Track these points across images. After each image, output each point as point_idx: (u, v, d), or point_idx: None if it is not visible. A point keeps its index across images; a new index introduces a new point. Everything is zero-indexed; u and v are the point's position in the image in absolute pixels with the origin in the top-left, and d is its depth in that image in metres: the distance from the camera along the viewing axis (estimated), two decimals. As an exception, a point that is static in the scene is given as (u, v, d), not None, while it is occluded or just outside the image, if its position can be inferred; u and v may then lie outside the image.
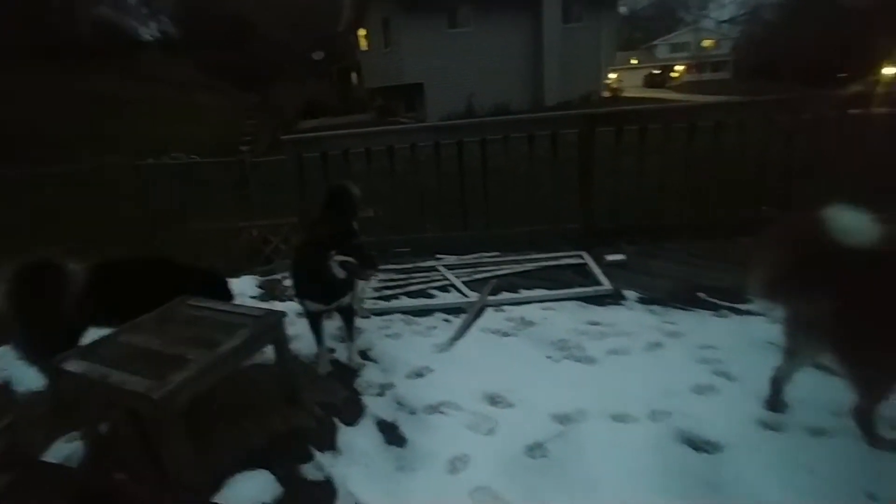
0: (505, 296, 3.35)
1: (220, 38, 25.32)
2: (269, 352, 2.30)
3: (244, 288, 3.85)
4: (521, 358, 2.63)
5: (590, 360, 2.55)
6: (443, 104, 20.55)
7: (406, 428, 2.21)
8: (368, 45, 24.97)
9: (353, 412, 2.34)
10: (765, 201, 3.91)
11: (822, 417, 2.00)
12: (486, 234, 4.25)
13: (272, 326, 2.23)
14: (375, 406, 2.38)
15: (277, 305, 3.51)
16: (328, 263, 2.38)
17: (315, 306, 2.61)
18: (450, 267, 3.92)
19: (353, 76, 29.89)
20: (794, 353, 1.99)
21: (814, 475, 1.76)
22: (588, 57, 23.03)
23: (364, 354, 2.81)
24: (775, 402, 2.08)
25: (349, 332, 2.75)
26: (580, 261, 3.79)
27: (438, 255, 4.22)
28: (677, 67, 47.76)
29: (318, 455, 2.07)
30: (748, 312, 2.91)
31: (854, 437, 1.89)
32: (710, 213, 4.00)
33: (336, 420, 2.28)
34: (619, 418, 2.11)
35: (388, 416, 2.30)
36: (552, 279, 3.56)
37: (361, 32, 25.28)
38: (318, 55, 29.99)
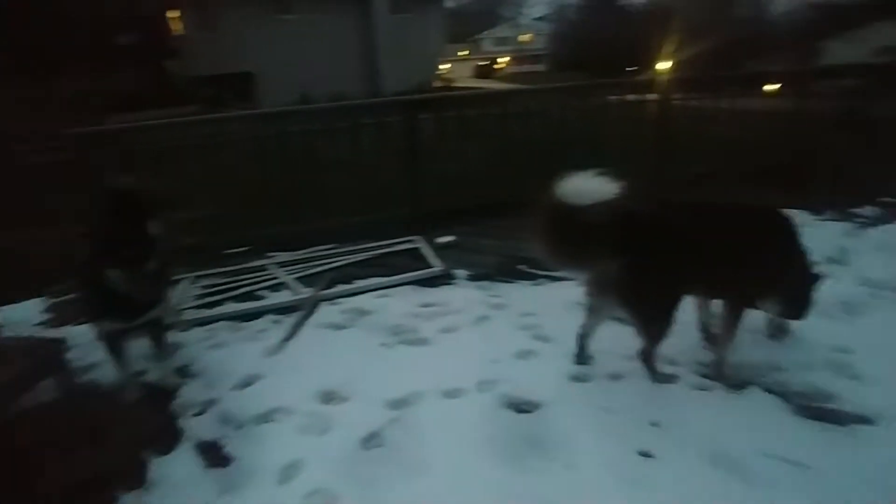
0: (340, 288, 3.26)
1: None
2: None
3: (27, 315, 3.21)
4: (356, 349, 2.57)
5: (423, 342, 2.60)
6: (276, 94, 19.33)
7: (231, 445, 2.02)
8: (188, 30, 22.44)
9: (168, 440, 2.07)
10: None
11: (619, 364, 2.28)
12: (319, 227, 4.09)
13: (49, 358, 1.87)
14: (196, 426, 2.14)
15: (73, 332, 2.98)
16: (114, 279, 2.04)
17: (110, 326, 2.24)
18: (282, 264, 3.70)
19: (173, 64, 26.67)
20: (592, 310, 2.23)
21: (612, 414, 1.99)
22: (419, 48, 23.50)
23: (183, 371, 2.51)
24: (581, 356, 2.33)
25: (160, 348, 2.44)
26: (413, 245, 3.85)
27: (269, 254, 3.95)
28: (501, 59, 51.33)
29: (123, 498, 1.80)
30: (560, 279, 3.20)
31: (641, 377, 2.19)
32: (528, 190, 4.32)
33: (147, 453, 1.99)
34: (451, 394, 2.18)
35: (211, 435, 2.08)
36: (387, 266, 3.56)
37: (174, 14, 22.60)
38: (127, 39, 26.09)
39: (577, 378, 2.24)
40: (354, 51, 21.90)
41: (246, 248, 3.99)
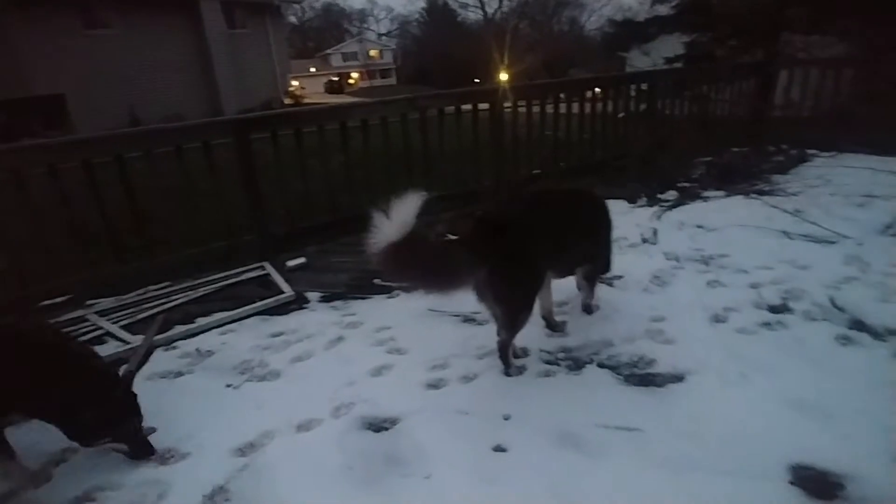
0: (177, 330, 2.92)
1: None
2: None
3: None
4: (197, 396, 2.31)
5: (273, 375, 2.43)
6: (96, 118, 17.10)
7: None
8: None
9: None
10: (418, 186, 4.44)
11: (470, 364, 2.35)
12: (150, 265, 3.64)
13: None
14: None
15: None
16: None
17: None
18: (104, 312, 3.23)
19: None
20: (492, 314, 2.27)
21: (467, 415, 2.04)
22: (262, 65, 22.53)
23: None
24: (505, 362, 2.30)
25: None
26: (262, 272, 3.61)
27: (90, 302, 3.43)
28: (353, 74, 51.28)
29: None
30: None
31: (492, 375, 2.27)
32: (374, 202, 4.32)
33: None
34: (304, 426, 2.06)
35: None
36: (232, 298, 3.28)
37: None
38: None
39: (433, 385, 2.25)
40: (191, 69, 20.31)
41: (64, 298, 3.42)
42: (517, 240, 2.12)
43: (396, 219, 1.84)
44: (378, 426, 2.03)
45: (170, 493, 1.81)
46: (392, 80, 51.29)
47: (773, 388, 2.04)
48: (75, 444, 2.04)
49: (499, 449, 1.87)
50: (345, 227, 4.08)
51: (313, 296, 3.22)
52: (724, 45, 9.63)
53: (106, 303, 3.38)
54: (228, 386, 2.37)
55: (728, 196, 4.42)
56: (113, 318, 3.15)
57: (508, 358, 2.29)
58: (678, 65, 9.95)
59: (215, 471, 1.87)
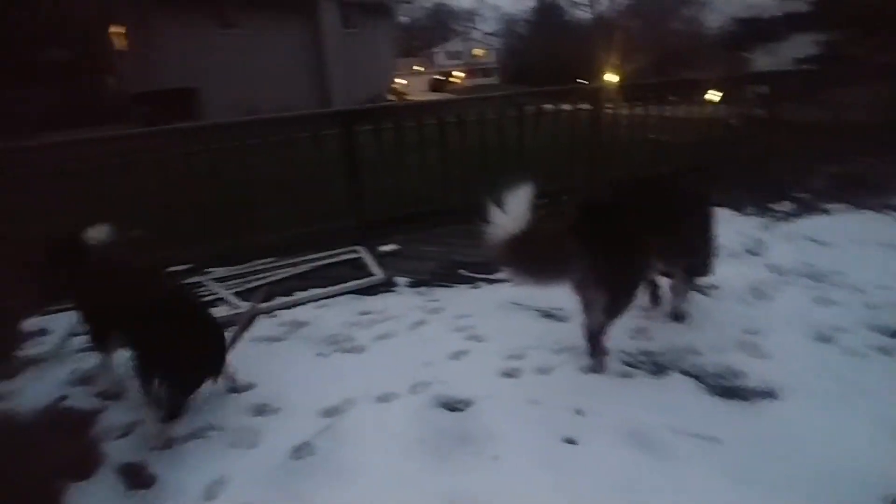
0: (278, 301, 3.22)
1: None
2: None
3: None
4: (291, 360, 2.54)
5: (359, 349, 2.59)
6: (222, 110, 18.92)
7: (157, 465, 1.96)
8: (127, 44, 21.74)
9: (87, 465, 1.98)
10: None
11: (548, 357, 2.36)
12: (260, 242, 4.02)
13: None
14: (119, 450, 2.05)
15: None
16: None
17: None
18: (220, 279, 3.62)
19: (110, 80, 25.72)
20: (585, 307, 2.25)
21: (539, 406, 2.05)
22: (371, 63, 23.59)
23: (106, 394, 2.41)
24: (594, 351, 2.30)
25: None
26: (356, 255, 3.84)
27: (207, 270, 3.86)
28: (456, 73, 52.09)
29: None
30: (498, 281, 3.27)
31: (569, 369, 2.27)
32: (467, 197, 4.42)
33: (61, 483, 1.90)
34: (384, 398, 2.18)
35: (135, 457, 2.01)
36: (327, 277, 3.54)
37: (116, 29, 21.87)
38: (61, 55, 25.01)
39: (508, 374, 2.29)
40: (304, 66, 21.77)
41: (186, 266, 3.89)
42: (625, 223, 2.10)
43: (512, 211, 1.89)
44: (452, 406, 2.11)
45: (262, 440, 2.02)
46: (494, 79, 51.41)
47: (878, 416, 1.85)
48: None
49: (569, 441, 1.87)
50: (436, 219, 4.22)
51: (401, 280, 3.38)
52: (862, 43, 8.60)
53: (220, 272, 3.78)
54: (319, 355, 2.57)
55: (853, 210, 3.98)
56: (226, 286, 3.52)
57: (601, 344, 2.25)
58: (807, 66, 9.04)
59: (302, 427, 2.05)
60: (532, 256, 1.97)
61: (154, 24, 19.35)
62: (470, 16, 65.39)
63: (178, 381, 1.99)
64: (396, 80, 30.12)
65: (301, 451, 1.95)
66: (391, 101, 24.50)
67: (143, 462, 1.98)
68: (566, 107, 4.59)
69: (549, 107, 4.56)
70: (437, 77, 48.41)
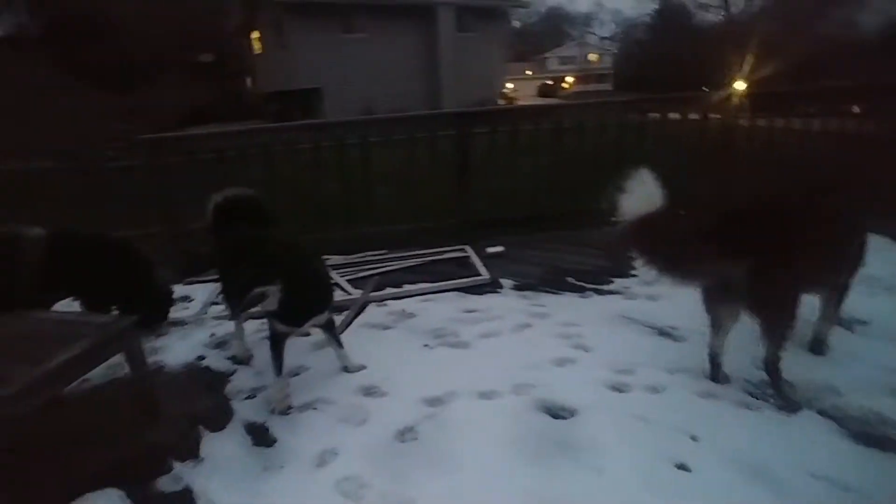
0: (388, 291, 3.37)
1: (86, 36, 22.96)
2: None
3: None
4: (399, 349, 2.65)
5: (463, 345, 2.64)
6: (340, 109, 20.20)
7: (276, 428, 2.15)
8: (262, 48, 24.01)
9: (220, 419, 2.23)
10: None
11: (660, 376, 2.23)
12: (373, 233, 4.24)
13: (119, 335, 2.06)
14: (246, 410, 2.28)
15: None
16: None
17: (280, 328, 2.27)
18: (335, 267, 3.87)
19: (248, 80, 28.53)
20: (717, 322, 2.11)
21: (649, 424, 1.95)
22: (482, 66, 23.90)
23: (236, 359, 2.69)
24: (717, 374, 2.19)
25: (335, 341, 2.50)
26: (462, 254, 3.91)
27: (324, 257, 4.14)
28: (567, 78, 51.07)
29: (177, 466, 1.95)
30: (609, 292, 3.18)
31: (684, 391, 2.13)
32: (577, 203, 4.32)
33: (201, 429, 2.15)
34: (486, 395, 2.20)
35: (259, 418, 2.22)
36: (435, 272, 3.64)
37: (254, 35, 24.24)
38: (206, 57, 28.23)
39: (616, 387, 2.20)
40: (418, 68, 22.56)
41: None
42: (788, 231, 1.89)
43: (644, 192, 1.80)
44: (555, 412, 2.08)
45: (370, 419, 2.13)
46: (608, 86, 49.69)
47: None
48: (308, 363, 2.54)
49: (680, 466, 1.76)
50: (543, 224, 4.18)
51: (507, 283, 3.39)
52: None
53: (336, 259, 4.04)
54: (424, 346, 2.66)
55: None
56: (340, 273, 3.75)
57: (780, 374, 2.05)
58: None
59: (407, 412, 2.14)
60: (666, 243, 1.85)
61: (286, 29, 21.05)
62: (586, 20, 63.77)
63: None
64: (506, 85, 30.23)
65: (405, 434, 2.02)
66: (500, 104, 24.60)
67: (265, 424, 2.18)
68: (693, 115, 4.32)
69: (674, 115, 4.32)
70: (547, 82, 47.81)
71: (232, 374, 2.56)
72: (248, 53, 26.02)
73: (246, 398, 2.36)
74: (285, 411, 2.23)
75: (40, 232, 2.69)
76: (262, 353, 2.69)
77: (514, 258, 3.84)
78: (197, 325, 3.10)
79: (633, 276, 3.37)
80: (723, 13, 31.95)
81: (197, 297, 3.53)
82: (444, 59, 22.23)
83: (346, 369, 2.49)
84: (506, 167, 4.23)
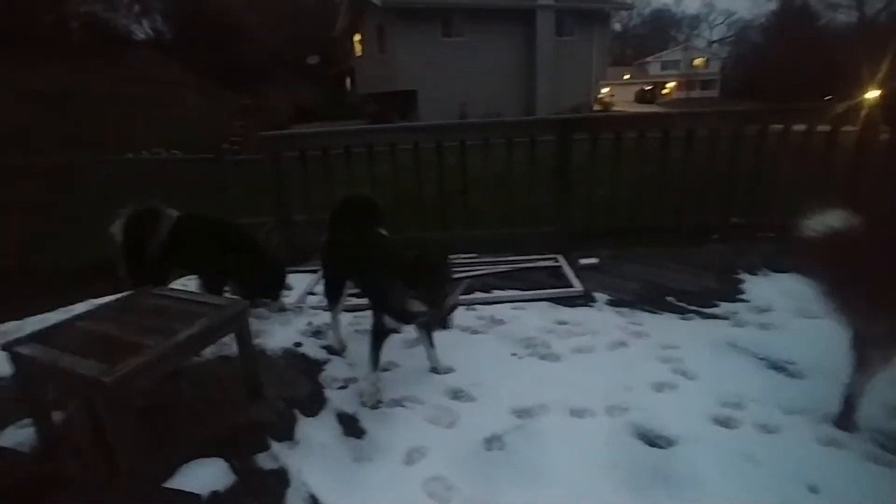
0: (478, 295, 3.36)
1: (212, 39, 25.27)
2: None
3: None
4: (488, 355, 2.64)
5: (554, 358, 2.57)
6: (435, 112, 20.64)
7: (366, 421, 2.21)
8: (363, 51, 25.09)
9: (314, 405, 2.33)
10: (734, 210, 3.98)
11: (774, 415, 2.03)
12: (466, 236, 4.26)
13: (233, 317, 2.23)
14: (338, 399, 2.37)
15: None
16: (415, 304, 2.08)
17: (388, 325, 2.33)
18: (426, 267, 3.93)
19: (348, 82, 29.98)
20: (868, 365, 1.85)
21: (759, 466, 1.78)
22: (580, 70, 23.35)
23: (330, 349, 2.81)
24: (847, 420, 1.95)
25: (429, 341, 2.55)
26: (555, 263, 3.82)
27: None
28: (668, 84, 48.53)
29: (274, 445, 2.06)
30: (713, 316, 2.95)
31: (802, 436, 1.92)
32: (681, 218, 4.06)
33: (297, 412, 2.27)
34: (578, 413, 2.13)
35: (350, 408, 2.29)
36: (526, 280, 3.59)
37: (357, 38, 25.40)
38: (312, 59, 30.06)
39: (721, 421, 2.04)
40: (515, 72, 22.45)
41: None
42: None
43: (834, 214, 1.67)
44: (652, 440, 1.96)
45: (458, 423, 2.13)
46: (714, 92, 46.62)
47: None
48: (398, 360, 2.60)
49: (798, 517, 1.59)
50: (641, 238, 3.99)
51: (601, 297, 3.26)
52: None
53: (427, 259, 4.10)
54: (514, 355, 2.62)
55: None
56: (431, 273, 3.80)
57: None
58: None
59: (495, 421, 2.11)
60: (857, 264, 1.65)
61: (388, 32, 21.77)
62: (695, 22, 60.24)
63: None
64: (602, 90, 29.31)
65: (492, 442, 2.00)
66: (597, 110, 23.89)
67: (355, 415, 2.25)
68: (822, 128, 3.90)
69: (799, 127, 3.92)
70: (645, 88, 45.68)
71: (326, 362, 2.67)
72: (349, 56, 27.31)
73: (339, 388, 2.45)
74: (376, 405, 2.29)
75: (174, 213, 3.02)
76: (355, 346, 2.81)
77: (609, 271, 3.69)
78: (296, 313, 3.27)
79: (742, 300, 3.12)
80: (856, 14, 28.76)
81: (297, 286, 3.74)
82: (542, 63, 21.95)
83: (434, 370, 2.52)
84: (606, 175, 4.07)
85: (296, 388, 2.47)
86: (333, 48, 29.12)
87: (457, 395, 2.32)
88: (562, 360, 2.55)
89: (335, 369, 2.62)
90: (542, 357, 2.58)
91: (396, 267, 2.17)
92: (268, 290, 3.23)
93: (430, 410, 2.22)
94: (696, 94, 46.27)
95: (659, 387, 2.28)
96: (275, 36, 27.95)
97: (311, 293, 3.61)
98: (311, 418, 2.24)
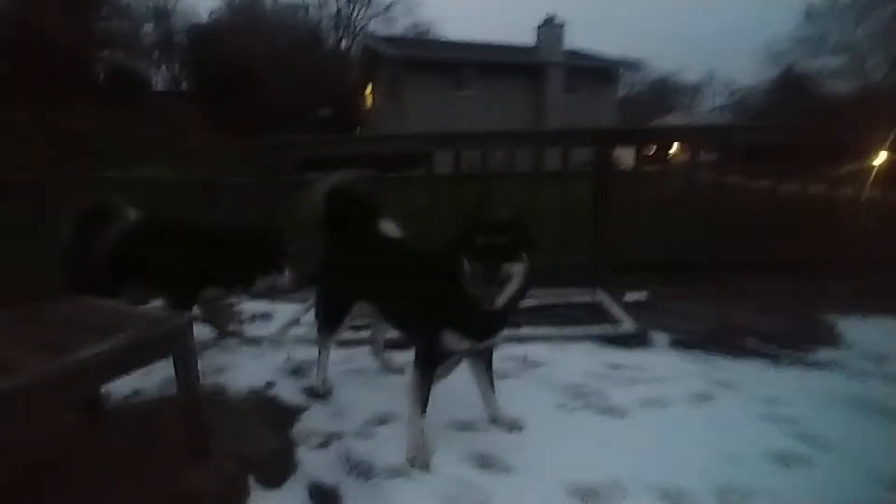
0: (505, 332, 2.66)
1: (229, 89, 25.75)
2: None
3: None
4: (524, 405, 1.92)
5: (617, 412, 1.86)
6: (447, 163, 20.45)
7: (352, 496, 1.50)
8: (374, 103, 25.45)
9: (279, 470, 1.62)
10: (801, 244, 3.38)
11: None
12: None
13: (169, 334, 1.56)
14: (314, 462, 1.66)
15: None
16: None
17: (460, 343, 1.63)
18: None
19: (359, 132, 30.32)
20: None
21: None
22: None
23: (312, 391, 2.11)
24: None
25: (489, 381, 1.85)
26: (592, 299, 3.15)
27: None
28: (674, 145, 49.22)
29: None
30: (816, 364, 2.26)
31: None
32: (738, 249, 3.43)
33: (252, 480, 1.56)
34: (671, 496, 1.41)
35: (330, 477, 1.59)
36: (560, 316, 2.91)
37: (368, 90, 25.85)
38: (324, 112, 30.50)
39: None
40: (524, 127, 22.52)
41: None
42: None
43: None
44: (802, 547, 1.24)
45: (493, 499, 1.42)
46: (715, 156, 47.13)
47: None
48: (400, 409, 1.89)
49: None
50: (692, 271, 3.35)
51: (660, 337, 2.57)
52: None
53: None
54: (560, 407, 1.91)
55: None
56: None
57: None
58: None
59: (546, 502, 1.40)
60: None
61: (398, 85, 22.11)
62: (695, 90, 62.05)
63: None
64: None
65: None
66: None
67: (336, 487, 1.54)
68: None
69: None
70: (651, 153, 46.20)
71: (303, 411, 1.97)
72: (360, 108, 27.74)
73: (317, 446, 1.74)
74: (425, 466, 1.58)
75: (133, 212, 2.42)
76: (344, 390, 2.12)
77: (662, 308, 3.00)
78: (273, 347, 2.59)
79: (846, 345, 2.43)
80: (860, 82, 29.19)
81: (278, 315, 3.08)
82: (551, 119, 22.01)
83: (493, 421, 1.81)
84: (650, 203, 3.49)
85: (258, 443, 1.75)
86: (346, 101, 29.64)
87: (485, 462, 1.61)
88: (628, 416, 1.84)
89: (315, 420, 1.92)
90: (601, 411, 1.87)
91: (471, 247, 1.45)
92: (266, 264, 2.44)
93: (445, 485, 1.51)
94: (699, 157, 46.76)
95: (782, 458, 1.56)
96: (289, 88, 28.53)
97: (297, 324, 2.94)
98: (272, 490, 1.54)
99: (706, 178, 3.67)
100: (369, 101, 26.03)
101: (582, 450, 1.62)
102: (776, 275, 3.37)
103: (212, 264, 2.37)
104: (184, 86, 28.92)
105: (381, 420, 1.86)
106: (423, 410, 1.66)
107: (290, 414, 1.94)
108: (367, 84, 25.65)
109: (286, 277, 2.49)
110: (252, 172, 4.04)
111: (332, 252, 2.09)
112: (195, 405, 1.64)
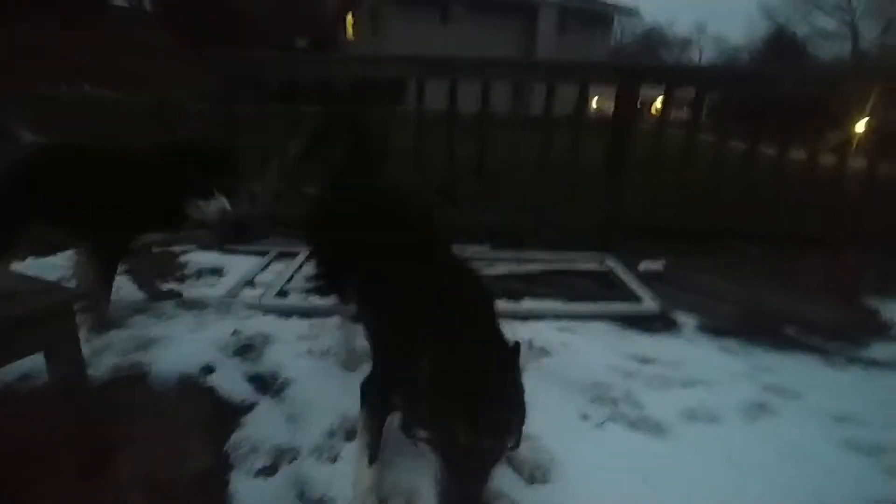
0: (504, 305, 2.20)
1: (197, 12, 23.69)
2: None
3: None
4: (537, 416, 1.47)
5: (655, 428, 1.45)
6: (427, 100, 19.48)
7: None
8: (355, 34, 23.84)
9: (202, 499, 1.17)
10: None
11: None
12: (473, 221, 3.11)
13: (37, 316, 1.05)
14: (255, 493, 1.21)
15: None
16: None
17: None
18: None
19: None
20: None
21: None
22: (578, 73, 22.55)
23: (260, 380, 1.64)
24: None
25: None
26: (604, 267, 2.72)
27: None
28: (657, 104, 48.49)
29: None
30: (874, 362, 1.89)
31: None
32: (778, 218, 3.02)
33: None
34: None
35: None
36: (567, 287, 2.47)
37: (349, 20, 24.14)
38: (301, 42, 28.53)
39: None
40: (512, 68, 21.53)
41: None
42: None
43: None
44: None
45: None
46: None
47: None
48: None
49: None
50: (718, 241, 2.94)
51: (686, 319, 2.16)
52: None
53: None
54: (584, 418, 1.49)
55: None
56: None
57: None
58: None
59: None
60: None
61: (381, 15, 20.71)
62: (685, 45, 60.61)
63: None
64: (593, 103, 28.73)
65: None
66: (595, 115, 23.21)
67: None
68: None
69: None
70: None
71: (248, 411, 1.50)
72: (340, 39, 26.01)
73: (260, 471, 1.28)
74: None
75: (31, 137, 1.86)
76: (303, 382, 1.65)
77: (682, 284, 2.58)
78: (219, 314, 2.09)
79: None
80: (850, 45, 28.70)
81: (232, 269, 2.56)
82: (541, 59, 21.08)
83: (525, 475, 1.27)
84: (676, 156, 3.01)
85: (175, 462, 1.29)
86: (324, 30, 27.72)
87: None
88: (671, 434, 1.42)
89: (262, 425, 1.44)
90: (635, 425, 1.46)
91: None
92: (200, 185, 1.92)
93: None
94: (682, 114, 46.24)
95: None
96: (262, 14, 26.44)
97: (251, 283, 2.43)
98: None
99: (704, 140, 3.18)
100: (350, 31, 24.37)
101: (618, 472, 1.22)
102: (790, 248, 2.99)
103: (131, 196, 1.82)
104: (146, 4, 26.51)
105: (351, 430, 1.40)
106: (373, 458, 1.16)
107: (229, 415, 1.47)
108: (348, 13, 23.90)
109: (234, 204, 1.97)
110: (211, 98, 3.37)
111: (335, 202, 1.63)
112: (76, 406, 1.16)
